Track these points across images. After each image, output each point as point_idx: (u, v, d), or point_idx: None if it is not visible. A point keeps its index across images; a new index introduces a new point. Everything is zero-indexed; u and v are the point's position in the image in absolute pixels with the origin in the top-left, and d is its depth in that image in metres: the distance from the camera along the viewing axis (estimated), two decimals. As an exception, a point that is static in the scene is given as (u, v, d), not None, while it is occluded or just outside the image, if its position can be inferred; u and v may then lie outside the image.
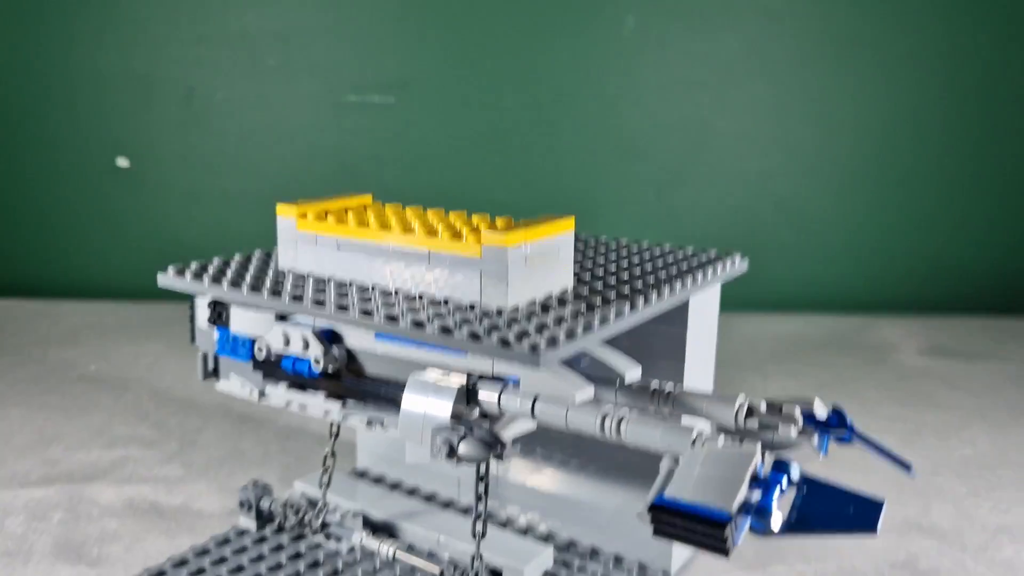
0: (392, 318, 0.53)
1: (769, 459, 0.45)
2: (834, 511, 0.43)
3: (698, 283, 0.63)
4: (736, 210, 1.53)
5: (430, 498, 0.79)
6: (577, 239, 0.75)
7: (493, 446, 0.53)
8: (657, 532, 0.44)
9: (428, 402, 0.54)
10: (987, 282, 1.56)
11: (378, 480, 0.82)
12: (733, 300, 1.57)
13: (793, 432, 0.51)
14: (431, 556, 0.67)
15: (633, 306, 0.56)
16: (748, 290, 1.57)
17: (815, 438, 0.52)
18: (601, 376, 0.57)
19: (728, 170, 1.53)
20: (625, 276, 0.62)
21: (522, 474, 0.75)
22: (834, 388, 1.14)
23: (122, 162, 1.52)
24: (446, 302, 0.56)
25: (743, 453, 0.45)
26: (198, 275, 0.63)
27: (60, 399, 1.04)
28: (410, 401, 0.55)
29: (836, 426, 0.51)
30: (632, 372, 0.57)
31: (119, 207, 1.53)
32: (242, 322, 0.66)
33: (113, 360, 1.19)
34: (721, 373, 1.18)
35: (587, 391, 0.52)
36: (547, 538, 0.72)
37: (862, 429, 0.57)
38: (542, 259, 0.57)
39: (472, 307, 0.55)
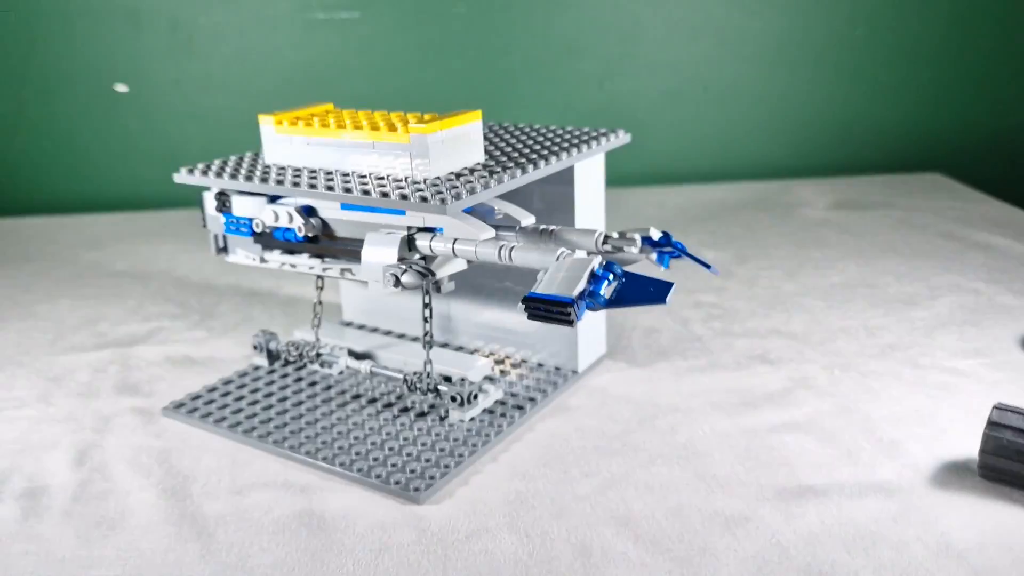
0: (347, 189, 0.74)
1: (601, 262, 0.66)
2: (640, 291, 0.65)
3: (582, 152, 0.84)
4: (669, 94, 1.72)
5: (400, 336, 1.02)
6: (498, 126, 0.95)
7: (426, 275, 0.75)
8: (530, 316, 0.66)
9: (380, 250, 0.76)
10: (891, 143, 1.76)
11: (360, 327, 1.05)
12: (666, 174, 1.77)
13: (635, 250, 0.73)
14: (399, 372, 0.90)
15: (524, 170, 0.77)
16: (683, 164, 1.78)
17: (653, 255, 0.74)
18: (508, 224, 0.78)
19: (660, 59, 1.71)
20: (526, 150, 0.83)
21: (468, 314, 0.97)
22: (742, 239, 1.36)
23: (120, 88, 1.70)
24: (387, 177, 0.77)
25: (584, 261, 0.66)
26: (204, 172, 0.84)
27: (97, 291, 1.26)
28: (368, 251, 0.77)
29: (665, 244, 0.73)
30: (526, 220, 0.78)
31: (125, 129, 1.72)
32: (241, 207, 0.87)
33: (135, 259, 1.41)
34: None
35: (488, 232, 0.74)
36: (488, 355, 0.95)
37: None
38: (455, 142, 0.77)
39: (405, 179, 0.76)
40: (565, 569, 0.62)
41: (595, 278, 0.66)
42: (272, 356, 0.96)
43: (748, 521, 0.66)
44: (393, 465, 0.75)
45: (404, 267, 0.75)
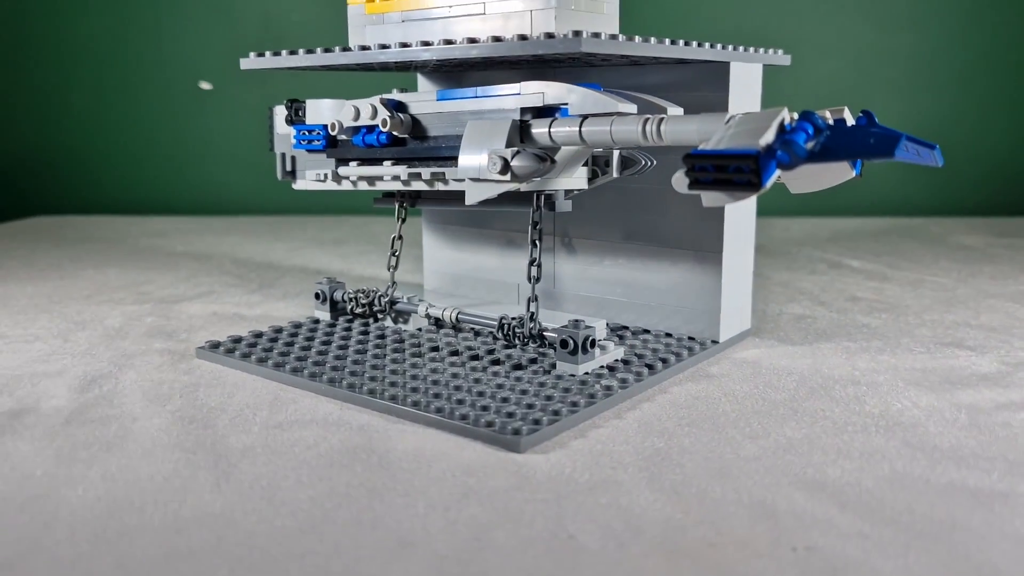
0: (449, 41, 0.58)
1: (796, 115, 0.48)
2: (856, 142, 0.46)
3: (738, 51, 0.67)
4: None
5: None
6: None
7: (545, 160, 0.58)
8: (692, 184, 0.47)
9: (484, 138, 0.59)
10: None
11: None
12: (778, 204, 1.57)
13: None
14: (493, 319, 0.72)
15: (674, 42, 0.60)
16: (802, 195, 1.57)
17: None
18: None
19: (786, 77, 1.54)
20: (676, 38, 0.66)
21: (573, 283, 0.79)
22: (891, 255, 1.15)
23: (205, 85, 1.61)
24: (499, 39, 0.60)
25: (770, 112, 0.48)
26: (277, 54, 0.69)
27: (150, 264, 1.12)
28: (469, 140, 0.60)
29: (866, 126, 0.54)
30: (674, 109, 0.60)
31: (205, 128, 1.62)
32: (316, 113, 0.72)
33: (197, 245, 1.27)
34: (782, 249, 1.21)
35: (630, 105, 0.56)
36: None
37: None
38: (585, 5, 0.61)
39: (525, 37, 0.59)
40: (744, 532, 0.41)
41: (787, 133, 0.47)
42: (337, 310, 0.79)
43: (1007, 497, 0.45)
44: (483, 408, 0.56)
45: (515, 149, 0.58)
